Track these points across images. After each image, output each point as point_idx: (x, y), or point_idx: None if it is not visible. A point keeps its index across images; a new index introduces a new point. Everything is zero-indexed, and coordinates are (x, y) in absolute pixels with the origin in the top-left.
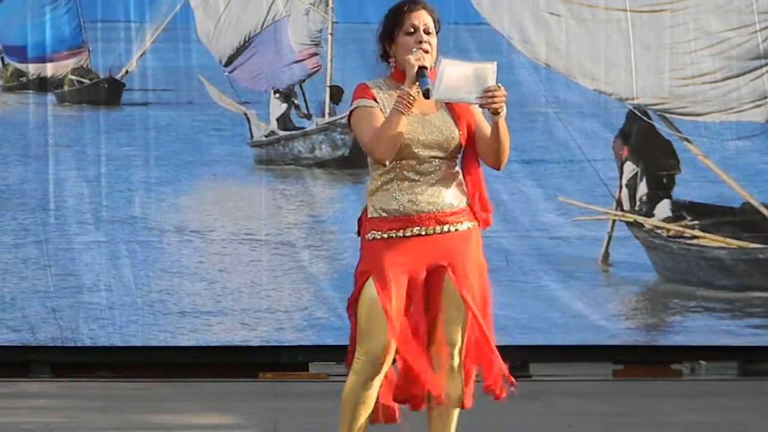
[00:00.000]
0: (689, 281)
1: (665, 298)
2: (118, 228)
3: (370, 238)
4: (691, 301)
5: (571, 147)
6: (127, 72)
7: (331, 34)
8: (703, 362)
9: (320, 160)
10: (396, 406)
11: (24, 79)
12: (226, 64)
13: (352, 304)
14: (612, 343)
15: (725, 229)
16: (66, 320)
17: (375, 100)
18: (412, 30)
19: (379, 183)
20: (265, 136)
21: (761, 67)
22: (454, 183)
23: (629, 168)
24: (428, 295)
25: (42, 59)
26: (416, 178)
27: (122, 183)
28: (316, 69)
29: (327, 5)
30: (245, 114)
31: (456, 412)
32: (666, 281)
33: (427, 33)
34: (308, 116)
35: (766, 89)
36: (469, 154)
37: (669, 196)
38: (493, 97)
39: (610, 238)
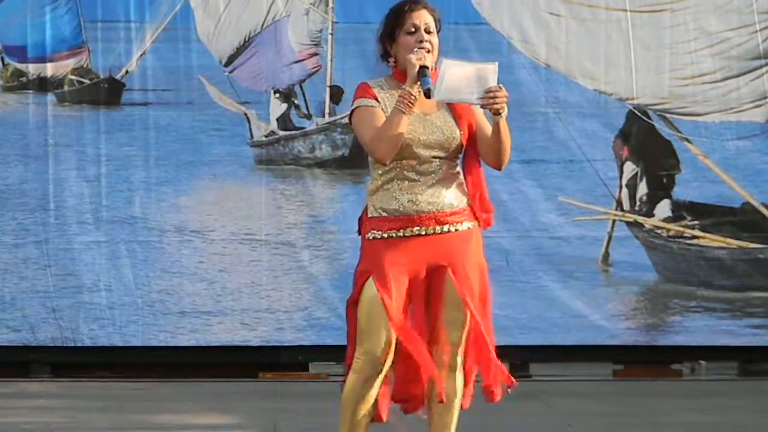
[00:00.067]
0: (689, 281)
1: (665, 298)
2: (118, 228)
3: (371, 238)
4: (691, 301)
5: (571, 147)
6: (127, 72)
7: (331, 34)
8: (703, 362)
9: (320, 160)
10: (384, 405)
11: (24, 79)
12: (226, 64)
13: (352, 306)
14: (612, 343)
15: (725, 229)
16: (66, 320)
17: (376, 99)
18: (413, 29)
19: (380, 182)
20: (265, 136)
21: (761, 67)
22: (455, 183)
23: (629, 168)
24: (428, 295)
25: (42, 59)
26: (416, 178)
27: (122, 183)
28: (316, 69)
29: (327, 5)
30: (245, 114)
31: (456, 412)
32: (666, 281)
33: (428, 32)
34: (308, 116)
35: (766, 89)
36: (471, 154)
37: (669, 196)
38: (495, 97)
39: (610, 238)
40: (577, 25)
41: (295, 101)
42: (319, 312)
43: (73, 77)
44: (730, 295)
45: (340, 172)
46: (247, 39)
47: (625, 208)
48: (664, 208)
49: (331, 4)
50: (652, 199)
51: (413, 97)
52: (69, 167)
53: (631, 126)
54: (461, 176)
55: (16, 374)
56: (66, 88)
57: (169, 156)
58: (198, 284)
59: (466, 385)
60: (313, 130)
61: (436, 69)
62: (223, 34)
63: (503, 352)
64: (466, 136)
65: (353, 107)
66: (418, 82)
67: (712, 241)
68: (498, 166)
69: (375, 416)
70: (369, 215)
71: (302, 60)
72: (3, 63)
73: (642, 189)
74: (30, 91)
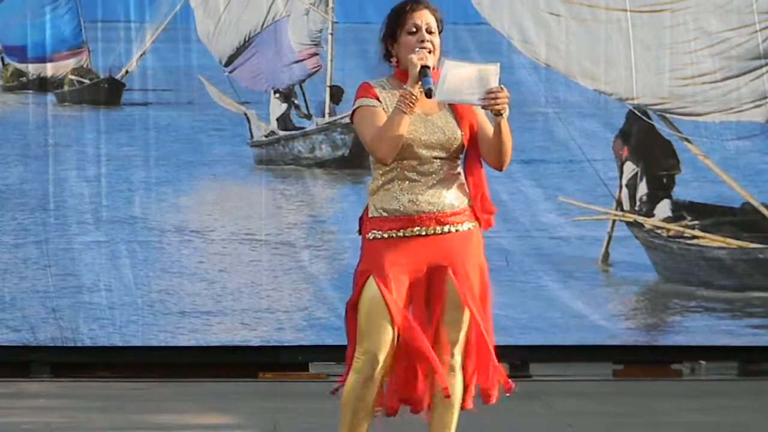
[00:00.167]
0: (689, 281)
1: (665, 298)
2: (118, 228)
3: (371, 238)
4: (691, 301)
5: (571, 147)
6: (127, 72)
7: (331, 34)
8: (703, 362)
9: (320, 160)
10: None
11: (24, 79)
12: (226, 64)
13: (352, 307)
14: (612, 343)
15: (725, 229)
16: (66, 320)
17: (378, 99)
18: (414, 29)
19: (381, 182)
20: (265, 136)
21: (761, 67)
22: (456, 184)
23: (629, 168)
24: (429, 296)
25: (42, 59)
26: (417, 178)
27: (122, 183)
28: (316, 69)
29: (327, 5)
30: (245, 114)
31: (456, 412)
32: (666, 281)
33: (430, 32)
34: (308, 116)
35: (766, 89)
36: (472, 154)
37: (669, 196)
38: (496, 98)
39: (610, 238)
40: (577, 25)
41: (295, 101)
42: (319, 312)
43: (73, 77)
44: (730, 295)
45: (340, 172)
46: (247, 39)
47: (625, 208)
48: (664, 208)
49: (331, 4)
50: (652, 199)
51: (414, 97)
52: (69, 167)
53: (631, 126)
54: (462, 177)
55: (16, 374)
56: (66, 88)
57: (169, 156)
58: (198, 284)
59: (466, 385)
60: (313, 130)
61: (437, 69)
62: (223, 34)
63: (503, 352)
64: (467, 137)
65: (355, 107)
66: (419, 82)
67: (712, 241)
68: (499, 167)
69: (388, 408)
70: (370, 215)
71: (302, 60)
72: (3, 63)
73: (642, 189)
74: (30, 91)
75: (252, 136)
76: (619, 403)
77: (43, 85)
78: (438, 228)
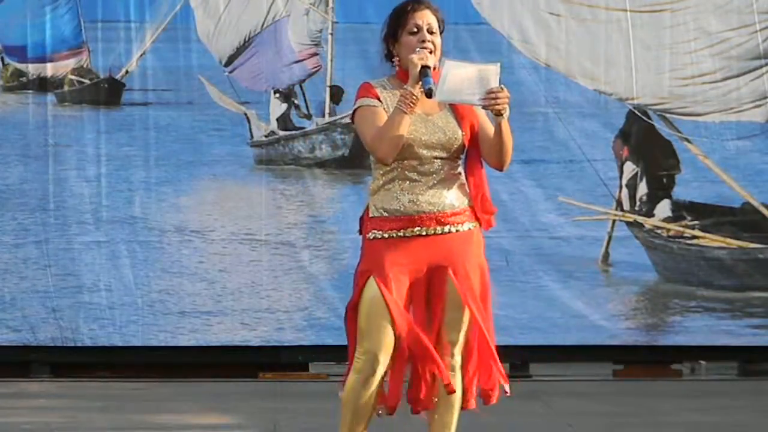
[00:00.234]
0: (689, 281)
1: (665, 298)
2: (118, 228)
3: (371, 238)
4: (691, 301)
5: (571, 147)
6: (127, 72)
7: (331, 34)
8: (703, 362)
9: (320, 160)
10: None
11: (24, 79)
12: (226, 64)
13: (352, 309)
14: (612, 343)
15: (725, 229)
16: (66, 320)
17: (378, 99)
18: (415, 29)
19: (381, 182)
20: (265, 136)
21: (761, 67)
22: (456, 184)
23: (629, 168)
24: (429, 296)
25: (42, 59)
26: (418, 178)
27: (122, 183)
28: (316, 69)
29: (327, 5)
30: (245, 114)
31: (456, 412)
32: (666, 281)
33: (431, 32)
34: (308, 116)
35: (766, 89)
36: (473, 155)
37: (669, 196)
38: (496, 98)
39: (610, 238)
40: (577, 25)
41: (295, 101)
42: (319, 312)
43: (73, 77)
44: (730, 295)
45: (340, 172)
46: (247, 39)
47: (625, 208)
48: (664, 208)
49: (331, 4)
50: (652, 199)
51: (415, 97)
52: (69, 167)
53: (631, 126)
54: (463, 177)
55: (16, 374)
56: (66, 88)
57: (169, 156)
58: (198, 284)
59: (469, 385)
60: (313, 130)
61: (438, 69)
62: (223, 34)
63: (503, 352)
64: (468, 137)
65: (355, 107)
66: (420, 82)
67: (712, 241)
68: (500, 167)
69: (389, 408)
70: (370, 215)
71: (302, 60)
72: (3, 63)
73: (642, 189)
74: (30, 91)
75: (252, 136)
76: (619, 403)
77: (43, 85)
78: (438, 228)
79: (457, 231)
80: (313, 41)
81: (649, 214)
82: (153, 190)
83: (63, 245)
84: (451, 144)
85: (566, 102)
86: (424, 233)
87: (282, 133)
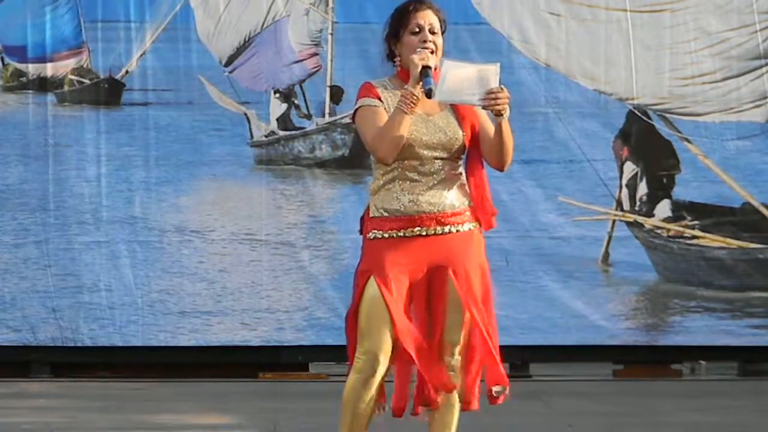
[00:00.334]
0: (689, 281)
1: (665, 298)
2: (118, 228)
3: (372, 238)
4: (691, 301)
5: (571, 147)
6: (127, 72)
7: (331, 34)
8: (703, 362)
9: (320, 160)
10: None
11: (24, 79)
12: (226, 64)
13: (353, 315)
14: (612, 343)
15: (725, 229)
16: (66, 320)
17: (379, 99)
18: (417, 30)
19: (382, 182)
20: (265, 136)
21: (761, 67)
22: (457, 184)
23: (629, 168)
24: (429, 296)
25: (42, 59)
26: (418, 178)
27: (122, 183)
28: (316, 69)
29: (327, 5)
30: (245, 114)
31: (457, 412)
32: (666, 281)
33: (432, 33)
34: (308, 116)
35: (766, 89)
36: (473, 155)
37: (669, 196)
38: (496, 99)
39: (610, 238)
40: (577, 25)
41: (295, 101)
42: (319, 312)
43: (73, 77)
44: (730, 295)
45: (340, 172)
46: (247, 39)
47: (625, 208)
48: (664, 208)
49: (331, 4)
50: (652, 199)
51: (415, 97)
52: (69, 167)
53: (631, 126)
54: (463, 177)
55: (16, 374)
56: (66, 88)
57: (169, 156)
58: (198, 284)
59: (471, 386)
60: (313, 130)
61: (438, 69)
62: (223, 34)
63: (503, 351)
64: (468, 137)
65: (356, 107)
66: (421, 83)
67: (712, 241)
68: (500, 167)
69: (395, 410)
70: (371, 215)
71: (302, 60)
72: (3, 63)
73: (642, 189)
74: (30, 91)
75: (252, 136)
76: (619, 403)
77: (43, 85)
78: (438, 228)
79: (457, 231)
80: (313, 41)
81: (649, 214)
82: (153, 190)
83: (63, 245)
84: (451, 144)
85: (566, 102)
86: (424, 233)
87: (282, 133)
